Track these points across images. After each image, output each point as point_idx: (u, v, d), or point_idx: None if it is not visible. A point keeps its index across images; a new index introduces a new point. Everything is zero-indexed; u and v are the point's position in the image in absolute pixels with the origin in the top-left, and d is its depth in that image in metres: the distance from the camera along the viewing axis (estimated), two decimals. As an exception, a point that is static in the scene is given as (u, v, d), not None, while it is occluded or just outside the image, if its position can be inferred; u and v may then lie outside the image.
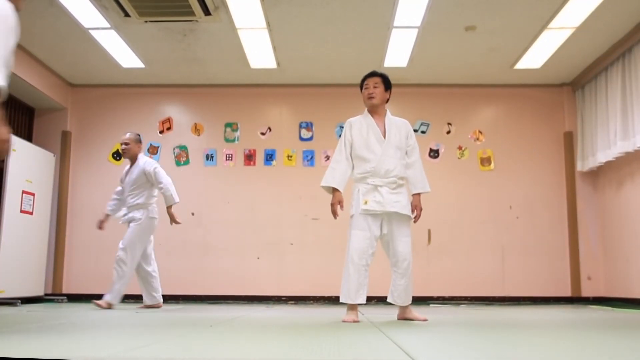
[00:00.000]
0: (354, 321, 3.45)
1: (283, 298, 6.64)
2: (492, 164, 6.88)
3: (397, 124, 3.70)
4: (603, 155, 6.07)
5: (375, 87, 3.68)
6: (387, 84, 3.73)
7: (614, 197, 6.30)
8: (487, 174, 6.87)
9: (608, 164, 6.18)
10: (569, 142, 6.84)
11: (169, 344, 2.14)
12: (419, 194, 3.69)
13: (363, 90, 3.74)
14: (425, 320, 3.57)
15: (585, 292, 6.57)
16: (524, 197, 6.78)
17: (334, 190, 3.60)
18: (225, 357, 1.77)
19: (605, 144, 6.06)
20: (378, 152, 3.58)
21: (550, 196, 6.79)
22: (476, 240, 6.71)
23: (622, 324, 3.55)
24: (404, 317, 3.67)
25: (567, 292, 6.61)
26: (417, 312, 3.72)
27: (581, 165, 6.64)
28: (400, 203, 3.55)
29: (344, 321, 3.44)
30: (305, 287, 6.67)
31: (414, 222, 3.66)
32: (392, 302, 3.62)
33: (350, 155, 3.66)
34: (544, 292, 6.60)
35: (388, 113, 3.74)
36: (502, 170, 6.86)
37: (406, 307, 3.64)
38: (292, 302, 6.59)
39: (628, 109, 5.65)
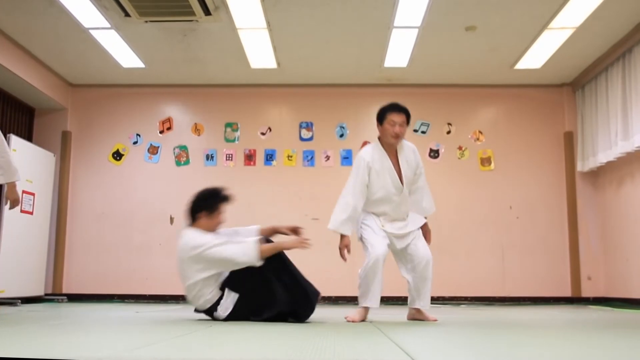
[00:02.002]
0: (362, 320, 3.48)
1: (283, 298, 6.63)
2: (492, 164, 6.88)
3: (408, 158, 3.60)
4: (604, 155, 6.07)
5: (401, 126, 3.50)
6: (409, 122, 3.59)
7: (614, 197, 6.30)
8: (487, 174, 6.87)
9: (608, 164, 6.18)
10: (569, 142, 6.84)
11: (169, 344, 2.14)
12: (424, 217, 3.72)
13: (385, 125, 3.51)
14: (435, 320, 3.59)
15: (585, 293, 6.57)
16: (524, 197, 6.78)
17: (342, 235, 3.52)
18: (225, 357, 1.77)
19: (605, 144, 6.06)
20: (395, 200, 3.54)
21: (550, 196, 6.79)
22: (476, 240, 6.70)
23: (622, 324, 3.55)
24: (414, 318, 3.66)
25: (567, 292, 6.61)
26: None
27: (581, 166, 6.64)
28: (412, 222, 3.62)
29: (352, 321, 3.46)
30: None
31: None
32: (419, 307, 3.59)
33: (365, 195, 3.54)
34: (544, 292, 6.60)
35: (400, 144, 3.61)
36: (502, 170, 6.85)
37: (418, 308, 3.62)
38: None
39: (628, 109, 5.65)
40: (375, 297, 3.44)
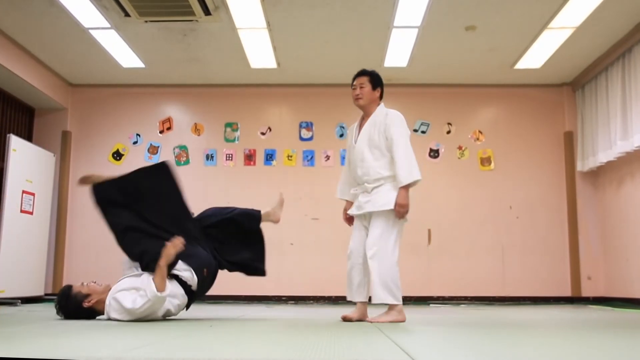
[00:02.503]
0: (358, 319, 3.43)
1: (283, 298, 6.64)
2: (492, 164, 6.88)
3: (376, 121, 3.54)
4: (603, 155, 6.07)
5: (361, 87, 3.56)
6: (375, 82, 3.59)
7: (614, 197, 6.30)
8: (487, 174, 6.87)
9: (608, 163, 6.18)
10: (569, 142, 6.84)
11: (169, 344, 2.14)
12: (402, 188, 3.42)
13: (352, 91, 3.64)
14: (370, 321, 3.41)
15: (585, 292, 6.57)
16: (524, 197, 6.78)
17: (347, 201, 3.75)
18: (225, 357, 1.77)
19: (605, 144, 6.06)
20: (352, 160, 3.63)
21: (551, 196, 6.79)
22: (476, 240, 6.70)
23: (622, 324, 3.55)
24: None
25: (567, 292, 6.61)
26: (379, 313, 3.45)
27: (581, 165, 6.64)
28: (371, 202, 3.46)
29: (344, 319, 3.45)
30: (305, 287, 6.67)
31: (397, 217, 3.44)
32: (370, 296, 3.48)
33: None
34: (544, 292, 6.60)
35: (378, 110, 3.58)
36: (502, 170, 6.85)
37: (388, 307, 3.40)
38: (292, 302, 6.58)
39: (628, 109, 5.65)
40: (349, 291, 3.55)
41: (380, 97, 3.65)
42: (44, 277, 6.45)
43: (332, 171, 6.76)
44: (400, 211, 3.41)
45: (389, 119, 3.52)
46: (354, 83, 3.63)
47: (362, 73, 3.64)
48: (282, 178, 6.84)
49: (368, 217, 3.52)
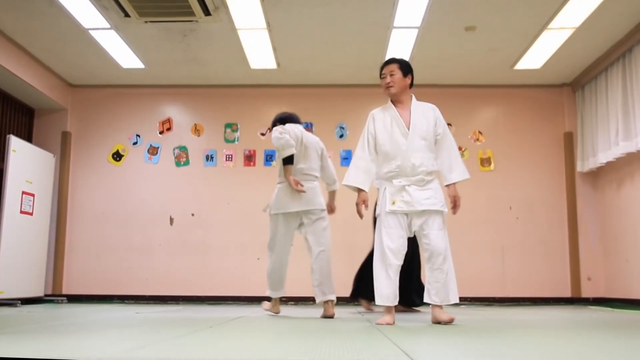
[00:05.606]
0: (388, 323, 3.27)
1: (283, 298, 6.63)
2: (492, 165, 6.88)
3: (424, 111, 3.48)
4: (603, 155, 6.07)
5: (392, 74, 3.45)
6: (405, 69, 3.48)
7: (614, 197, 6.29)
8: (487, 174, 6.87)
9: (608, 164, 6.17)
10: (569, 143, 6.84)
11: (169, 344, 2.14)
12: (453, 184, 3.51)
13: (381, 81, 3.53)
14: (451, 320, 3.40)
15: (585, 293, 6.57)
16: (524, 198, 6.78)
17: (359, 190, 3.42)
18: (225, 357, 1.77)
19: (605, 145, 6.05)
20: (403, 146, 3.37)
21: (550, 196, 6.79)
22: (476, 240, 6.70)
23: (622, 324, 3.54)
24: (436, 320, 3.38)
25: (567, 293, 6.61)
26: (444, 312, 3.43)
27: (581, 166, 6.64)
28: (430, 200, 3.37)
29: (379, 324, 3.27)
30: (305, 287, 6.64)
31: (453, 213, 3.50)
32: (430, 302, 3.38)
33: (375, 150, 3.47)
34: (544, 293, 6.60)
35: (414, 99, 3.52)
36: (502, 170, 6.85)
37: (440, 307, 3.38)
38: (292, 302, 6.58)
39: (630, 109, 5.65)
40: (392, 296, 3.31)
41: (411, 85, 3.54)
42: (43, 278, 6.45)
43: (332, 171, 6.75)
44: (459, 205, 3.56)
45: (437, 113, 3.52)
46: (383, 72, 3.51)
47: (392, 61, 3.52)
48: (282, 178, 6.83)
49: (417, 215, 3.37)
